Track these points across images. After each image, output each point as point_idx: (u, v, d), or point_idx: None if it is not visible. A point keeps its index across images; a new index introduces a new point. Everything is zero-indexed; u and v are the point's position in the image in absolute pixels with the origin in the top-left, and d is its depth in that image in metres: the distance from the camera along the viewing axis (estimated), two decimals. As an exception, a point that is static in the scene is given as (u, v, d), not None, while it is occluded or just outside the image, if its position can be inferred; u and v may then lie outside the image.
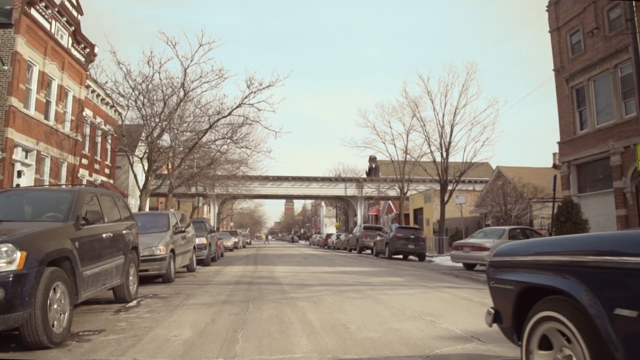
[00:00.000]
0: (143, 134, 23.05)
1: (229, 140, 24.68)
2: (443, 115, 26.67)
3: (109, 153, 28.30)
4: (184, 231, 11.82)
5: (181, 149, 23.15)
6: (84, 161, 24.44)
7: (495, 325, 3.04)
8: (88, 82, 23.84)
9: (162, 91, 20.25)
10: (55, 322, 4.49)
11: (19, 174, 18.14)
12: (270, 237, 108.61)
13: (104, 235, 6.14)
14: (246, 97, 20.28)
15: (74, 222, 5.36)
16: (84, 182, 24.49)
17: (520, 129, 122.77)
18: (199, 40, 19.82)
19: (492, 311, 3.05)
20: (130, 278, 7.34)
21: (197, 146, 23.73)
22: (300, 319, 5.65)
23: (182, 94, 20.50)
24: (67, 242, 4.96)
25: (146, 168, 20.98)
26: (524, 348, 2.70)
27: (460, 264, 15.83)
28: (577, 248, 2.49)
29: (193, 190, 35.26)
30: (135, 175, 21.84)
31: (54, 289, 4.52)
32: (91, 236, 5.72)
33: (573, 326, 2.28)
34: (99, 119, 25.77)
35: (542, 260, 2.64)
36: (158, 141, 21.88)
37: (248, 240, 55.21)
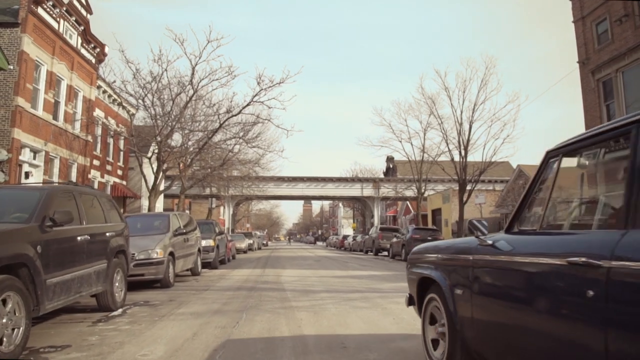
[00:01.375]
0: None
1: (241, 140, 24.20)
2: (461, 112, 25.68)
3: (121, 154, 28.07)
4: (185, 233, 11.23)
5: (191, 149, 22.70)
6: (96, 162, 24.18)
7: None
8: (99, 82, 23.60)
9: (170, 89, 19.81)
10: (4, 339, 3.89)
11: (27, 175, 17.88)
12: (290, 238, 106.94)
13: (79, 238, 5.56)
14: (256, 95, 19.72)
15: (38, 223, 4.78)
16: (96, 183, 24.31)
17: (542, 125, 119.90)
18: (207, 36, 19.25)
19: (408, 296, 4.03)
20: (116, 285, 6.76)
21: (208, 146, 23.27)
22: (294, 334, 4.96)
23: (191, 92, 20.04)
24: (25, 247, 4.37)
25: (155, 168, 20.57)
26: (422, 322, 3.65)
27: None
28: (443, 250, 3.47)
29: (207, 191, 34.86)
30: (144, 176, 21.45)
31: (4, 300, 3.93)
32: (61, 239, 5.13)
33: (440, 303, 3.20)
34: (110, 120, 25.52)
35: (428, 257, 3.64)
36: (168, 141, 21.48)
37: (264, 242, 54.70)
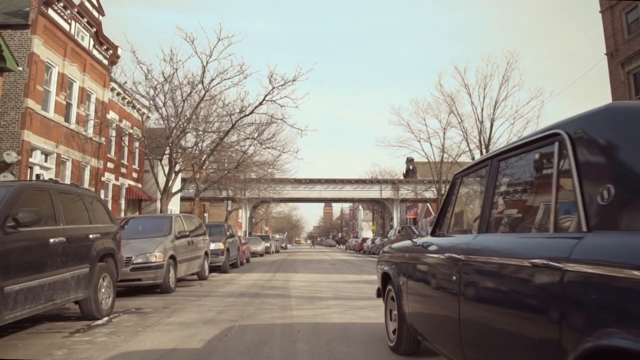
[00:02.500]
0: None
1: (255, 141, 23.75)
2: (482, 110, 24.83)
3: (136, 157, 27.88)
4: (188, 235, 10.72)
5: (204, 150, 22.33)
6: (110, 165, 24.01)
7: None
8: (113, 84, 23.43)
9: (180, 89, 19.47)
10: (-58, 357, 3.38)
11: (38, 177, 17.62)
12: (313, 241, 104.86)
13: (52, 240, 5.04)
14: (269, 94, 19.21)
15: (-1, 224, 4.27)
16: (110, 185, 24.15)
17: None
18: (218, 34, 18.83)
19: (377, 289, 4.75)
20: (102, 291, 6.24)
21: (221, 147, 22.87)
22: (285, 351, 4.33)
23: (202, 92, 19.67)
24: (-25, 250, 3.86)
25: (167, 170, 20.25)
26: (384, 309, 4.47)
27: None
28: (394, 250, 4.30)
29: (224, 194, 34.52)
30: (156, 178, 21.15)
31: (-57, 312, 3.42)
32: (27, 241, 4.63)
33: (394, 292, 4.02)
34: (125, 122, 25.34)
35: (387, 256, 4.44)
36: (181, 142, 21.15)
37: (283, 245, 54.14)
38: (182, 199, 32.94)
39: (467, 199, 3.31)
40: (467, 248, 2.50)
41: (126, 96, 24.71)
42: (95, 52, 21.61)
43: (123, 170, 25.99)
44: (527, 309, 1.91)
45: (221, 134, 21.24)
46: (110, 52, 22.84)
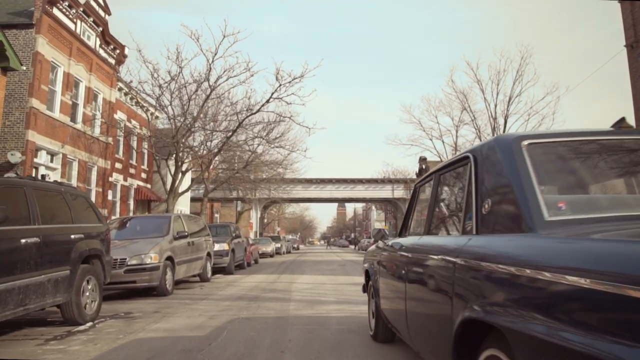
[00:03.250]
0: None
1: (263, 140, 23.41)
2: (495, 106, 24.07)
3: (145, 157, 27.70)
4: (187, 236, 10.35)
5: (211, 149, 22.04)
6: (118, 165, 23.84)
7: None
8: (121, 84, 23.26)
9: (185, 88, 19.19)
10: None
11: (43, 177, 17.50)
12: (328, 242, 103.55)
13: (23, 240, 4.69)
14: (275, 91, 18.83)
15: (-43, 223, 3.93)
16: (118, 186, 23.99)
17: (591, 118, 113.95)
18: (223, 31, 18.49)
19: (363, 285, 5.51)
20: (86, 294, 5.88)
21: (229, 146, 22.56)
22: (269, 362, 3.91)
23: (208, 91, 19.36)
24: None
25: (173, 169, 19.99)
26: (368, 302, 5.11)
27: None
28: (372, 250, 4.91)
29: (234, 194, 34.22)
30: (163, 178, 20.91)
31: None
32: (-7, 243, 4.27)
33: (372, 287, 4.59)
34: (134, 122, 25.16)
35: (369, 255, 5.11)
36: (188, 140, 20.90)
37: (295, 246, 53.76)
38: (193, 200, 32.71)
39: (422, 205, 3.71)
40: (413, 247, 3.12)
41: (133, 96, 24.53)
42: (101, 52, 21.44)
43: (132, 170, 25.82)
44: (437, 292, 2.47)
45: (228, 133, 20.92)
46: (117, 51, 22.66)
